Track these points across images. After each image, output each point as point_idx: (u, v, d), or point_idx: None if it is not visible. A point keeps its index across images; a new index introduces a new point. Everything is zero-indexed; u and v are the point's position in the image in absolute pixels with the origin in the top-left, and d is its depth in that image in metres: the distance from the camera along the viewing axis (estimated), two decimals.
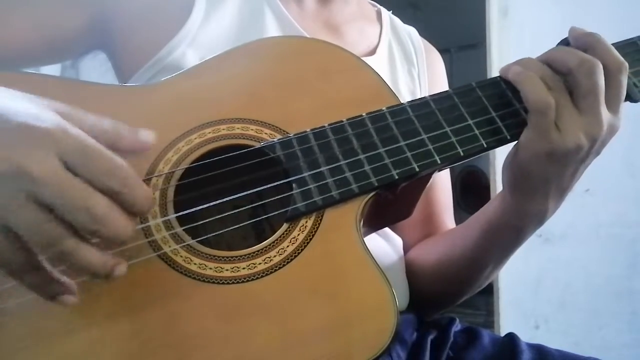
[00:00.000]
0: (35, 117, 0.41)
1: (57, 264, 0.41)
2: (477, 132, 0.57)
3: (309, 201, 0.52)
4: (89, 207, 0.40)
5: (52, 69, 1.39)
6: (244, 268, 0.49)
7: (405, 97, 0.79)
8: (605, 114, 0.56)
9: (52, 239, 0.39)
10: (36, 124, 0.40)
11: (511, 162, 0.59)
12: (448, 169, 0.73)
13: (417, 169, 0.54)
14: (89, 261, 0.41)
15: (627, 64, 0.57)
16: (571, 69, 0.55)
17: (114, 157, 0.42)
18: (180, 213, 0.51)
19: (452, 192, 0.87)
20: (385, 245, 0.75)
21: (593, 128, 0.55)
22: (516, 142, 0.58)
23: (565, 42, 0.61)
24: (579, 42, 0.59)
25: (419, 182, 0.58)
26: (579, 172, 0.59)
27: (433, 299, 0.79)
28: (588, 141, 0.55)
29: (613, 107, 0.57)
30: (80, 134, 0.42)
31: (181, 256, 0.49)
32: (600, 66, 0.55)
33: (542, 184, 0.58)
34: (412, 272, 0.77)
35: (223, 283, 0.48)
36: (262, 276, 0.48)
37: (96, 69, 0.79)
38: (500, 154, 1.67)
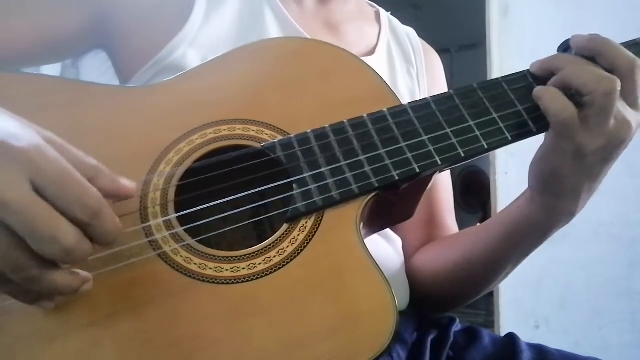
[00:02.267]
0: (14, 136, 0.40)
1: (26, 285, 0.41)
2: (478, 133, 0.57)
3: (309, 201, 0.52)
4: (55, 238, 0.39)
5: (52, 69, 1.39)
6: (244, 268, 0.49)
7: (405, 97, 0.79)
8: (630, 113, 0.56)
9: (17, 266, 0.39)
10: (12, 143, 0.39)
11: (540, 164, 0.59)
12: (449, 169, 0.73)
13: (418, 170, 0.54)
14: (55, 286, 0.41)
15: (639, 61, 0.56)
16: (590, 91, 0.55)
17: (88, 187, 0.41)
18: (181, 213, 0.51)
19: (453, 192, 0.87)
20: (386, 246, 0.75)
21: (623, 130, 0.55)
22: (542, 145, 0.58)
23: (565, 46, 0.61)
24: (585, 50, 0.58)
25: (420, 183, 0.58)
26: (608, 168, 0.59)
27: (444, 302, 0.78)
28: (616, 141, 0.56)
29: (635, 104, 0.57)
30: (57, 158, 0.41)
31: (181, 256, 0.49)
32: (618, 84, 0.54)
33: (573, 184, 0.58)
34: (421, 275, 0.76)
35: (223, 283, 0.48)
36: (262, 276, 0.48)
37: (96, 68, 0.79)
38: (501, 154, 1.69)
